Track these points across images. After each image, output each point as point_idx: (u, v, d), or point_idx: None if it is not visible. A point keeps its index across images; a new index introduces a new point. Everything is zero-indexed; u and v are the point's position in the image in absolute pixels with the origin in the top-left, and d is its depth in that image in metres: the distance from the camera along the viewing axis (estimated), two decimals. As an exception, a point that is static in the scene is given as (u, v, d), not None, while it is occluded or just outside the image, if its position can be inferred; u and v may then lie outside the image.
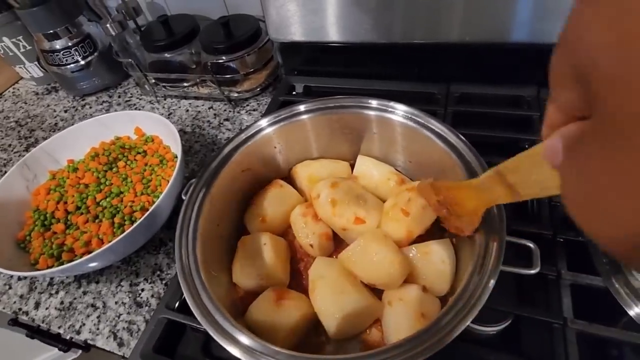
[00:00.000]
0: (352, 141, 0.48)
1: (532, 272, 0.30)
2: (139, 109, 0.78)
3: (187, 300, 0.32)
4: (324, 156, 0.49)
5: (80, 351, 1.44)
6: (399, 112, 0.41)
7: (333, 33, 0.62)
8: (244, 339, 0.29)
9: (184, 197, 0.40)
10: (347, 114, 0.43)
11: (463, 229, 0.34)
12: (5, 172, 0.70)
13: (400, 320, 0.35)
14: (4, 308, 0.52)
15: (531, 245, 0.31)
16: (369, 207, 0.42)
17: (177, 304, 0.44)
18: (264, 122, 0.44)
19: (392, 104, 0.41)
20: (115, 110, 0.79)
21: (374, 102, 0.42)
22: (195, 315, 0.32)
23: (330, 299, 0.36)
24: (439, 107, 0.57)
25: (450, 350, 0.28)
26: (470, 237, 0.34)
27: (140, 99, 0.81)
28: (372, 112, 0.42)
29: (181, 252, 0.34)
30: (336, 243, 0.44)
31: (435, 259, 0.37)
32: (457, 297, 0.30)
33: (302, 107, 0.44)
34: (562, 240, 0.41)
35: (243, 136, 0.43)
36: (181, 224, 0.37)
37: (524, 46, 0.55)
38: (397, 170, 0.47)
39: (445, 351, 0.29)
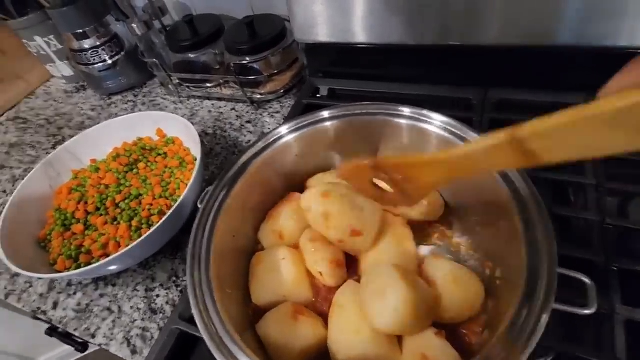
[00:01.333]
0: (375, 151, 0.44)
1: (588, 312, 0.26)
2: (163, 109, 0.78)
3: (195, 315, 0.30)
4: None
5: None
6: (435, 122, 0.38)
7: (361, 34, 0.59)
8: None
9: (199, 205, 0.38)
10: (374, 122, 0.40)
11: (399, 202, 0.30)
12: (34, 168, 0.72)
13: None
14: (24, 306, 0.52)
15: (586, 280, 0.27)
16: (365, 217, 0.38)
17: (190, 315, 0.42)
18: (284, 130, 0.41)
19: (427, 112, 0.38)
20: (140, 110, 0.80)
21: (406, 110, 0.39)
22: (200, 329, 0.30)
23: (341, 335, 0.33)
24: (474, 114, 0.53)
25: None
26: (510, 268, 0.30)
27: (164, 99, 0.81)
28: (403, 121, 0.39)
29: (193, 265, 0.32)
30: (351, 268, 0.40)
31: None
32: (505, 332, 0.26)
33: (326, 114, 0.41)
34: (616, 269, 0.36)
35: (261, 144, 0.40)
36: (195, 234, 0.35)
37: (569, 49, 0.50)
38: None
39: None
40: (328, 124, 0.41)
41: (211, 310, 0.30)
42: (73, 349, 1.36)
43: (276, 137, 0.41)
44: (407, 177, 0.29)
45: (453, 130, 0.37)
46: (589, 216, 0.40)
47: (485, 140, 0.24)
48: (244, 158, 0.40)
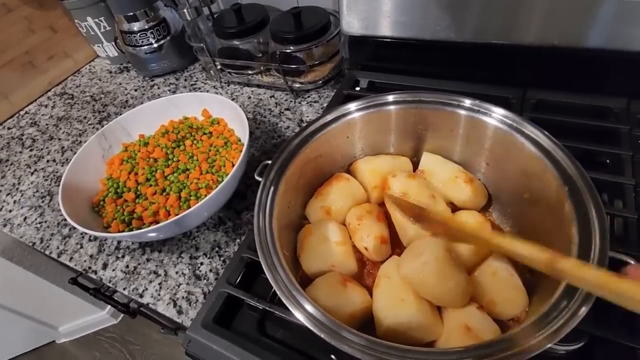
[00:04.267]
0: (422, 138, 0.46)
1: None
2: (204, 93, 0.81)
3: (262, 264, 0.33)
4: (396, 150, 0.48)
5: (121, 316, 1.52)
6: (495, 114, 0.40)
7: (402, 29, 0.61)
8: (310, 308, 0.30)
9: (257, 177, 0.41)
10: (431, 110, 0.42)
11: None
12: (81, 141, 0.76)
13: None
14: (75, 265, 0.55)
15: (631, 261, 0.29)
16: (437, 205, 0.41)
17: (237, 281, 0.45)
18: (352, 106, 0.43)
19: (487, 104, 0.40)
20: (181, 92, 0.83)
21: (466, 101, 0.41)
22: (268, 277, 0.32)
23: (388, 302, 0.35)
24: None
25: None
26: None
27: (205, 84, 0.84)
28: (463, 112, 0.41)
29: (259, 222, 0.35)
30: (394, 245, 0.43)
31: (504, 274, 0.35)
32: (540, 316, 0.28)
33: (390, 97, 0.43)
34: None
35: (328, 117, 0.43)
36: (259, 198, 0.37)
37: (611, 53, 0.51)
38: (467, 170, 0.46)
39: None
40: (392, 107, 0.43)
41: (276, 262, 0.32)
42: (92, 319, 1.41)
43: (343, 112, 0.43)
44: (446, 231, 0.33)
45: (512, 123, 0.39)
46: (627, 214, 0.41)
47: (527, 249, 0.28)
48: (308, 131, 0.42)
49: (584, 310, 0.28)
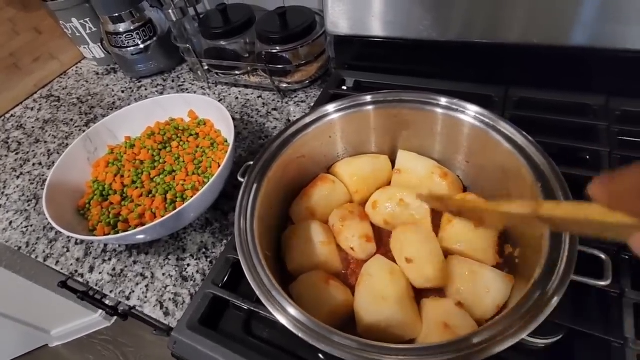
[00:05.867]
0: (403, 136, 0.47)
1: (603, 284, 0.29)
2: (191, 94, 0.81)
3: (243, 266, 0.33)
4: (378, 149, 0.49)
5: (114, 319, 1.51)
6: (470, 112, 0.40)
7: (388, 28, 0.61)
8: (292, 310, 0.30)
9: (240, 178, 0.41)
10: (409, 109, 0.43)
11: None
12: (68, 144, 0.76)
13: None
14: (62, 268, 0.55)
15: (602, 256, 0.29)
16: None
17: (223, 282, 0.45)
18: (330, 108, 0.44)
19: (462, 102, 0.41)
20: (169, 93, 0.83)
21: (442, 100, 0.41)
22: (247, 277, 0.32)
23: (369, 299, 0.36)
24: (496, 110, 0.55)
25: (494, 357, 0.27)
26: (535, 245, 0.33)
27: (192, 84, 0.84)
28: (440, 110, 0.41)
29: (240, 223, 0.35)
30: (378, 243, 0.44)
31: (480, 283, 0.36)
32: (515, 308, 0.29)
33: (368, 98, 0.43)
34: (627, 257, 0.38)
35: (308, 119, 0.43)
36: (241, 200, 0.38)
37: (592, 51, 0.52)
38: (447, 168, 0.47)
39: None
40: (370, 107, 0.44)
41: (257, 263, 0.33)
42: (85, 322, 1.40)
43: (322, 114, 0.44)
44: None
45: (486, 120, 0.39)
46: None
47: (514, 206, 0.29)
48: (289, 132, 0.43)
49: (555, 300, 0.29)
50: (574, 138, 0.51)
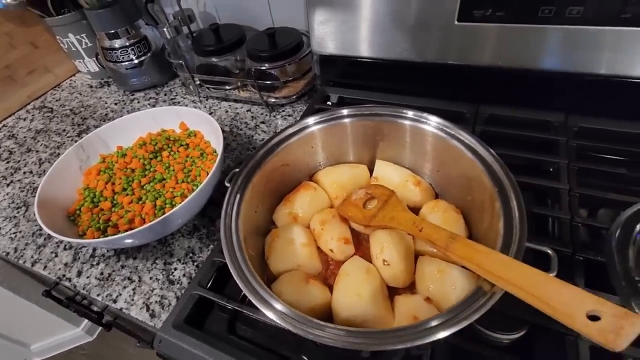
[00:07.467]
0: (379, 147, 0.51)
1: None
2: (182, 106, 0.84)
3: (229, 266, 0.35)
4: (356, 159, 0.53)
5: (98, 329, 1.48)
6: (432, 122, 0.44)
7: (369, 49, 0.66)
8: (278, 306, 0.33)
9: (227, 184, 0.44)
10: (383, 122, 0.47)
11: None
12: (59, 153, 0.78)
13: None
14: (49, 273, 0.56)
15: (549, 251, 0.33)
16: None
17: (208, 284, 0.47)
18: (310, 120, 0.48)
19: (426, 115, 0.45)
20: (161, 106, 0.86)
21: (409, 113, 0.46)
22: (232, 273, 0.35)
23: (346, 296, 0.38)
24: (467, 126, 0.60)
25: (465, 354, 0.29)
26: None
27: (184, 98, 0.87)
28: (407, 122, 0.46)
29: (225, 225, 0.38)
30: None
31: (448, 281, 0.39)
32: (468, 298, 0.32)
33: (345, 111, 0.47)
34: (581, 259, 0.42)
35: (290, 130, 0.47)
36: (227, 203, 0.40)
37: (553, 74, 0.57)
38: (420, 176, 0.50)
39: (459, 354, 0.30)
40: (347, 120, 0.48)
41: (241, 262, 0.35)
42: (66, 336, 1.37)
43: (303, 126, 0.47)
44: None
45: (447, 130, 0.44)
46: (561, 215, 0.46)
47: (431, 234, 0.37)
48: (273, 142, 0.46)
49: (501, 292, 0.32)
50: (537, 151, 0.55)
